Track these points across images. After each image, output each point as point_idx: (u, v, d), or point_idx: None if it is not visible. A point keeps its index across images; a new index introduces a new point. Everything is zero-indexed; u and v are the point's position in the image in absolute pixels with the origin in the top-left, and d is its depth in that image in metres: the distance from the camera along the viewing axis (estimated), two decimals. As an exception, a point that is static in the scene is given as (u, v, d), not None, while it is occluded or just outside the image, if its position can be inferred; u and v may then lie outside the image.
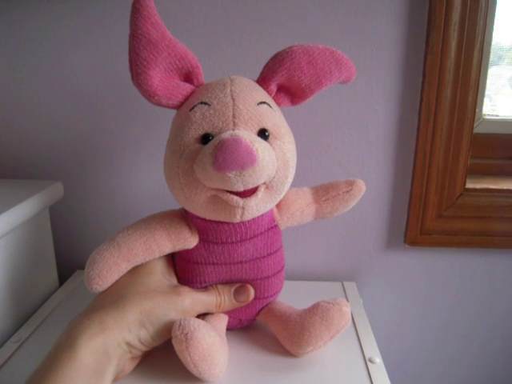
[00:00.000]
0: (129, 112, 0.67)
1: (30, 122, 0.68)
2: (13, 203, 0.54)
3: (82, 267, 0.48)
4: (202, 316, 0.49)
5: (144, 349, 0.44)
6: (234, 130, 0.42)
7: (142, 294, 0.45)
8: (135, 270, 0.48)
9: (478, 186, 0.69)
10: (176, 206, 0.50)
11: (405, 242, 0.70)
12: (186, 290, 0.48)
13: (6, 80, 0.67)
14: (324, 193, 0.53)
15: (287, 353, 0.49)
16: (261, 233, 0.49)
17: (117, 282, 0.47)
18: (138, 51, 0.42)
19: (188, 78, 0.46)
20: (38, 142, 0.69)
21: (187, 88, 0.46)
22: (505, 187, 0.68)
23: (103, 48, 0.65)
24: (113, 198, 0.71)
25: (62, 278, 0.69)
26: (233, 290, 0.50)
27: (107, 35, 0.64)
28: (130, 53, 0.43)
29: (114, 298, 0.45)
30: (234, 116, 0.43)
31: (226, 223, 0.47)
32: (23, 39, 0.65)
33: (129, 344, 0.42)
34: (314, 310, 0.48)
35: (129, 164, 0.69)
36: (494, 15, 0.68)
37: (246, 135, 0.40)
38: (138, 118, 0.67)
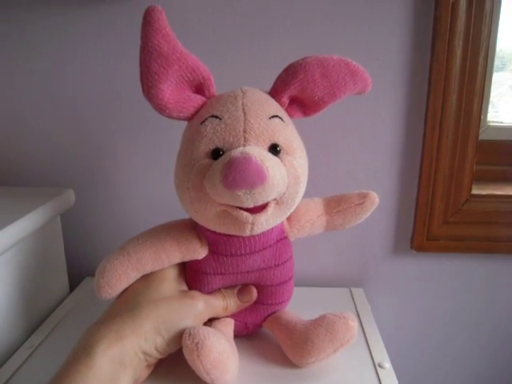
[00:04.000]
0: (138, 121, 0.67)
1: (40, 131, 0.69)
2: (25, 211, 0.55)
3: (92, 274, 0.48)
4: (209, 321, 0.50)
5: (160, 357, 0.45)
6: (244, 145, 0.41)
7: (157, 301, 0.45)
8: (149, 277, 0.48)
9: (484, 192, 0.69)
10: (185, 215, 0.50)
11: (411, 247, 0.70)
12: (197, 293, 0.48)
13: (9, 90, 0.68)
14: (336, 205, 0.52)
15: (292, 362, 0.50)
16: (270, 245, 0.49)
17: (131, 288, 0.48)
18: (149, 65, 0.42)
19: (199, 89, 0.46)
20: (49, 151, 0.70)
21: (198, 100, 0.45)
22: (510, 193, 0.69)
23: (107, 56, 0.65)
24: (123, 206, 0.71)
25: (73, 284, 0.69)
26: (236, 291, 0.51)
27: (106, 44, 0.65)
28: (140, 66, 0.43)
29: (129, 305, 0.45)
30: (245, 131, 0.42)
31: (236, 236, 0.47)
32: (18, 51, 0.66)
33: (145, 353, 0.43)
34: (319, 321, 0.48)
35: (138, 172, 0.70)
36: (498, 23, 0.68)
37: (257, 152, 0.40)
38: (147, 126, 0.67)
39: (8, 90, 0.68)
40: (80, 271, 0.71)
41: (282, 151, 0.43)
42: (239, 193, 0.39)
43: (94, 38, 0.65)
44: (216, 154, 0.42)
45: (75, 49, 0.66)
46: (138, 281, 0.48)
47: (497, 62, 0.74)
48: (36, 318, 0.60)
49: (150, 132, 0.68)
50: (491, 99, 0.76)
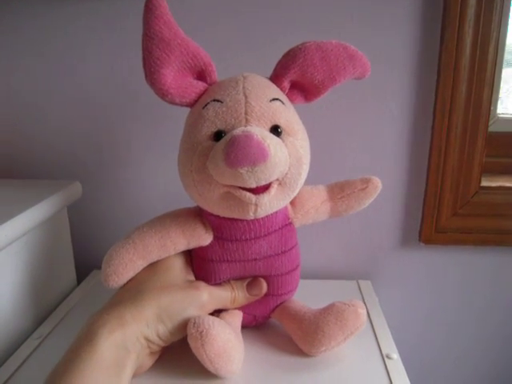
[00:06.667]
0: (146, 113, 0.68)
1: (47, 123, 0.70)
2: (32, 203, 0.55)
3: (99, 267, 0.48)
4: (217, 313, 0.49)
5: (162, 344, 0.45)
6: (246, 126, 0.42)
7: (159, 289, 0.45)
8: (154, 266, 0.49)
9: (493, 184, 0.68)
10: (190, 205, 0.51)
11: (420, 240, 0.70)
12: (202, 284, 0.48)
13: (18, 82, 0.68)
14: (339, 190, 0.52)
15: (302, 351, 0.50)
16: (275, 230, 0.49)
17: (135, 277, 0.48)
18: (151, 50, 0.43)
19: (201, 76, 0.46)
20: (56, 144, 0.70)
21: (200, 86, 0.46)
22: (520, 185, 0.68)
23: (113, 49, 0.66)
24: (130, 197, 0.72)
25: (80, 276, 0.70)
26: (245, 284, 0.50)
27: (115, 37, 0.65)
28: (143, 52, 0.43)
29: (132, 293, 0.45)
30: (246, 113, 0.43)
31: (240, 220, 0.47)
32: (30, 41, 0.67)
33: (147, 339, 0.43)
34: (329, 310, 0.48)
35: (145, 164, 0.70)
36: (508, 12, 0.67)
37: (258, 131, 0.40)
38: (156, 118, 0.68)
39: (16, 83, 0.69)
40: (88, 264, 0.71)
41: (283, 132, 0.44)
42: (241, 171, 0.39)
43: (105, 31, 0.65)
44: (218, 136, 0.43)
45: (87, 40, 0.66)
46: (143, 270, 0.48)
47: (507, 58, 0.73)
48: (44, 310, 0.60)
49: (158, 124, 0.68)
50: (500, 95, 0.75)
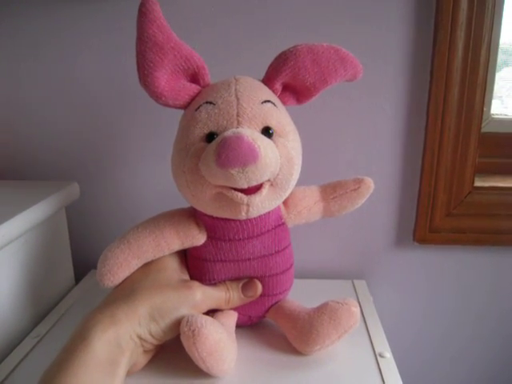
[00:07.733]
0: (144, 114, 0.68)
1: (45, 124, 0.70)
2: (31, 203, 0.55)
3: (96, 267, 0.49)
4: (212, 313, 0.50)
5: (156, 342, 0.45)
6: (237, 127, 0.43)
7: (152, 288, 0.46)
8: (148, 266, 0.49)
9: (487, 184, 0.69)
10: (186, 205, 0.51)
11: (414, 240, 0.70)
12: (196, 284, 0.49)
13: (17, 83, 0.69)
14: (332, 191, 0.53)
15: (297, 350, 0.50)
16: (268, 230, 0.49)
17: (130, 277, 0.48)
18: (145, 53, 0.43)
19: (194, 78, 0.47)
20: (54, 145, 0.71)
21: (193, 88, 0.47)
22: (513, 185, 0.69)
23: (110, 51, 0.66)
24: (127, 197, 0.72)
25: (78, 276, 0.70)
26: (241, 285, 0.51)
27: (111, 39, 0.66)
28: (137, 55, 0.44)
29: (125, 292, 0.46)
30: (238, 114, 0.44)
31: (233, 220, 0.47)
32: (29, 43, 0.67)
33: (140, 337, 0.43)
34: (322, 309, 0.49)
35: (141, 165, 0.71)
36: (501, 15, 0.68)
37: (249, 132, 0.41)
38: (153, 119, 0.68)
39: (15, 84, 0.69)
40: (85, 264, 0.72)
41: (274, 134, 0.45)
42: (232, 171, 0.40)
43: (104, 33, 0.66)
44: (210, 137, 0.43)
45: (85, 42, 0.67)
46: (137, 270, 0.49)
47: (505, 57, 0.74)
48: (42, 309, 0.61)
49: (155, 125, 0.69)
50: (500, 95, 0.75)
